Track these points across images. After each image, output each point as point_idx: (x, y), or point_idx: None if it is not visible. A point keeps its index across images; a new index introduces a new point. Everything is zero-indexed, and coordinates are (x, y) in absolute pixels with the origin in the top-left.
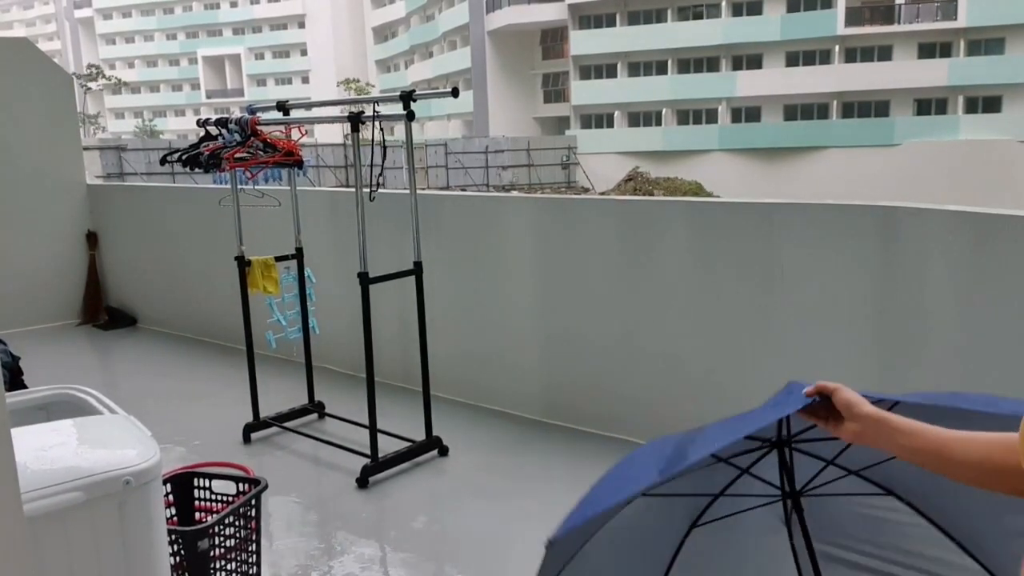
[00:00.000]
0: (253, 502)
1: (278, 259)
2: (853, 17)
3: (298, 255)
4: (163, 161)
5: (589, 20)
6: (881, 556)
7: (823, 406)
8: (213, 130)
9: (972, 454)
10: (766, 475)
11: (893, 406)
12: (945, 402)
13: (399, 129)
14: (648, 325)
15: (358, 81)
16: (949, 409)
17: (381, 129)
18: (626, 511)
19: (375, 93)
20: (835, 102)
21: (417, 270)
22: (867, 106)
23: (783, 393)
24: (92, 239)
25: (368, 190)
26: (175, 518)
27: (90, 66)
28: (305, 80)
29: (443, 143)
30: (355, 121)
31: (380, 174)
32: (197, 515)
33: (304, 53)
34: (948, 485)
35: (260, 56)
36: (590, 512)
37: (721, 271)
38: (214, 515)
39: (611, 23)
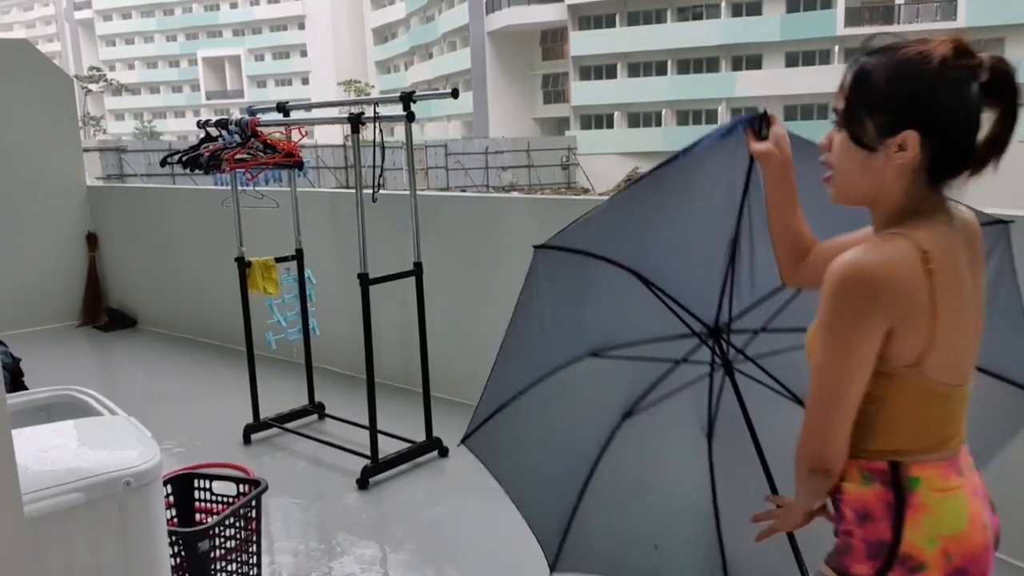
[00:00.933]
0: (253, 503)
1: (278, 260)
2: (853, 17)
3: (298, 256)
4: (164, 163)
5: (589, 21)
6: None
7: (758, 131)
8: (213, 131)
9: (804, 234)
10: (703, 358)
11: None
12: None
13: (399, 130)
14: None
15: (359, 83)
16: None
17: (381, 130)
18: (571, 372)
19: (375, 94)
20: None
21: (417, 271)
22: None
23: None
24: (92, 240)
25: (369, 191)
26: (175, 519)
27: (91, 68)
28: (305, 81)
29: (443, 144)
30: (355, 122)
31: (380, 175)
32: (197, 516)
33: (304, 54)
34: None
35: (260, 57)
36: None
37: None
38: (214, 516)
39: (611, 24)
